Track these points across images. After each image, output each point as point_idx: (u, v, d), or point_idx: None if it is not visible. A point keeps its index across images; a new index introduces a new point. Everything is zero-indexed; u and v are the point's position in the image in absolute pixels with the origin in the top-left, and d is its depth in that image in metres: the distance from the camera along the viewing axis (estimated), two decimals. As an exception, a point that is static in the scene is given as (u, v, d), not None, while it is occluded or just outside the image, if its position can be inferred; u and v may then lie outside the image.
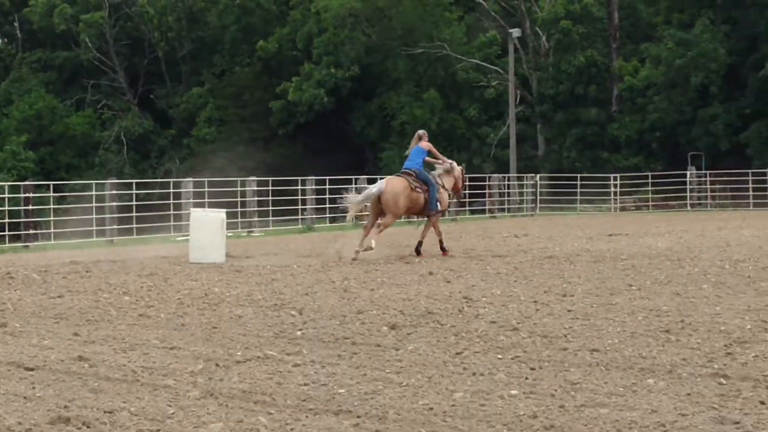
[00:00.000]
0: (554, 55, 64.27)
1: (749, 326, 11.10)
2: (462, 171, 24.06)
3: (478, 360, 9.60)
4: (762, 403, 7.76)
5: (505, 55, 60.88)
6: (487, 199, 50.27)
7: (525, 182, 52.44)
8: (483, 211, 49.83)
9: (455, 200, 26.43)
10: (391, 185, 22.20)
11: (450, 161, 24.02)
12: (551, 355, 9.78)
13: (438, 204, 22.59)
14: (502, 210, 50.26)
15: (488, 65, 66.01)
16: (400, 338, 10.93)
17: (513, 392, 8.23)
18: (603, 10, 64.35)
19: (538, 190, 52.20)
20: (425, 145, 22.94)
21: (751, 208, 49.12)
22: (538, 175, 53.78)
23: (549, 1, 65.01)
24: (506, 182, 52.25)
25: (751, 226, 31.97)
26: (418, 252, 22.16)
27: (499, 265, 19.00)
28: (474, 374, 8.97)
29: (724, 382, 8.48)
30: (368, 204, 22.70)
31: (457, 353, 9.94)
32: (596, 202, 53.01)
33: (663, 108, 59.81)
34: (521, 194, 52.35)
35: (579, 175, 53.19)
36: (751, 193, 50.13)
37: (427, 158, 23.00)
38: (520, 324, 11.57)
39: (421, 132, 23.59)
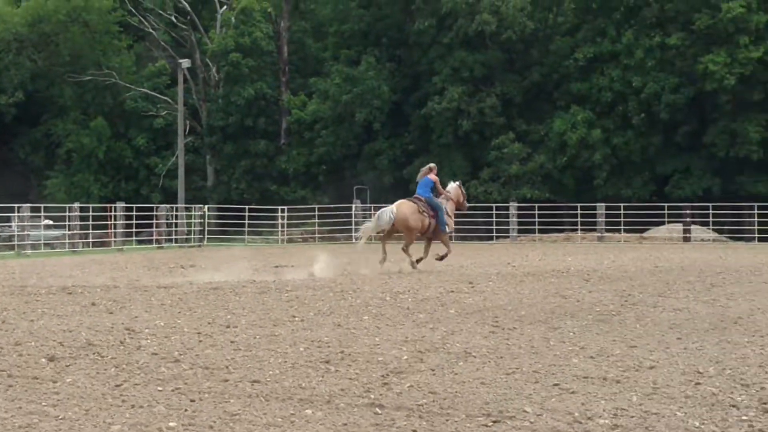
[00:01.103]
0: (224, 87, 64.63)
1: (406, 357, 11.41)
2: (458, 187, 27.13)
3: (138, 392, 9.50)
4: (415, 431, 8.00)
5: (175, 85, 60.76)
6: (154, 229, 49.96)
7: (193, 213, 52.29)
8: (150, 242, 49.49)
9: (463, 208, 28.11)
10: (401, 211, 25.60)
11: (447, 192, 26.60)
12: (212, 386, 9.78)
13: (446, 226, 26.07)
14: (170, 240, 50.00)
15: (157, 95, 65.79)
16: (59, 370, 10.68)
17: (172, 424, 8.20)
18: (272, 44, 65.15)
19: (206, 221, 52.14)
20: (433, 177, 25.97)
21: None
22: (206, 206, 53.75)
23: (219, 33, 65.30)
24: (174, 212, 52.05)
25: (412, 259, 32.83)
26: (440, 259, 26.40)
27: (164, 296, 18.82)
28: (133, 406, 8.87)
29: (380, 411, 8.69)
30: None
31: (117, 385, 9.81)
32: (264, 233, 53.49)
33: (330, 142, 61.16)
34: (189, 225, 52.16)
35: (247, 206, 53.55)
36: (412, 226, 51.66)
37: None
38: (182, 355, 11.51)
39: (432, 165, 26.65)
